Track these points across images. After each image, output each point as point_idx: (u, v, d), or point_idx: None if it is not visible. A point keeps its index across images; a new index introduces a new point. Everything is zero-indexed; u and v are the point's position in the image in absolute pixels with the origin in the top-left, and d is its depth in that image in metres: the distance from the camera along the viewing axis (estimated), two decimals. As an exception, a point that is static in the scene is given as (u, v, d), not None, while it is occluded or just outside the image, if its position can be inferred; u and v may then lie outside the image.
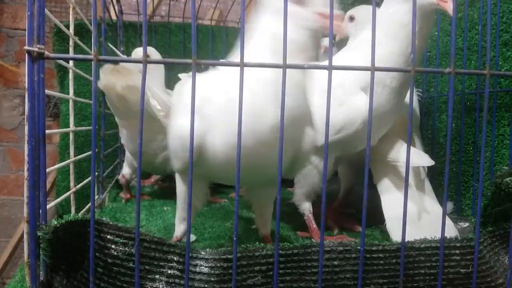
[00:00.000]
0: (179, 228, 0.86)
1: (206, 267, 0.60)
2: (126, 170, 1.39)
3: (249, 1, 1.85)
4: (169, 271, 0.59)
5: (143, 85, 0.54)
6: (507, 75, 0.98)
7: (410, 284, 0.65)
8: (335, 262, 0.63)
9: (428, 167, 1.12)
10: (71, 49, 0.96)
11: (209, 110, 0.70)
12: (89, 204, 1.06)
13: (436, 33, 1.32)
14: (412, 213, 0.98)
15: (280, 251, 0.61)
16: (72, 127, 0.96)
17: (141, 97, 0.54)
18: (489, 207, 0.79)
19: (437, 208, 1.02)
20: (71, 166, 0.94)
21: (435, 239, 0.68)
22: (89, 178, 1.11)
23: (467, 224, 1.06)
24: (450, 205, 1.21)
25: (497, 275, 0.67)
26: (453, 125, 1.23)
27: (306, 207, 1.05)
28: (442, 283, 0.64)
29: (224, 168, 0.73)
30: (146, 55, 0.54)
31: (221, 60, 0.74)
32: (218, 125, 0.70)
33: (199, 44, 1.85)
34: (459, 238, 0.69)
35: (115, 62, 0.98)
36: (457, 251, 0.67)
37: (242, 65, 0.56)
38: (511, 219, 0.63)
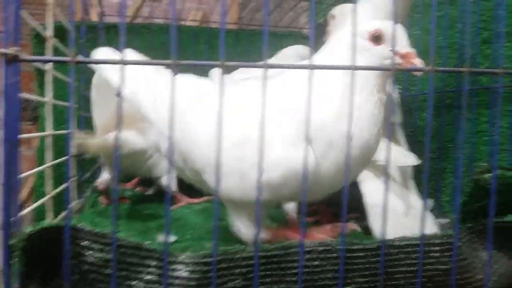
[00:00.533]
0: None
1: (185, 271, 0.59)
2: (105, 176, 1.36)
3: (231, 3, 1.85)
4: (147, 277, 0.58)
5: (120, 88, 0.54)
6: (486, 72, 0.99)
7: (391, 282, 0.65)
8: (316, 262, 0.62)
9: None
10: (48, 51, 0.95)
11: (323, 139, 0.69)
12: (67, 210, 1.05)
13: (416, 32, 1.32)
14: (399, 210, 0.98)
15: (260, 253, 0.60)
16: (49, 130, 0.94)
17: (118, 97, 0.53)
18: (468, 203, 0.80)
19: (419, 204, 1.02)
20: (48, 171, 0.92)
21: (415, 236, 0.69)
22: (66, 184, 1.10)
23: (447, 220, 1.07)
24: (430, 202, 1.21)
25: (476, 271, 0.67)
26: (434, 122, 1.24)
27: (290, 206, 1.04)
28: (422, 280, 0.64)
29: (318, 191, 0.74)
30: (124, 56, 0.53)
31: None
32: (330, 154, 0.70)
33: (182, 45, 1.83)
34: (438, 234, 0.69)
35: (93, 64, 0.97)
36: (437, 248, 0.67)
37: (223, 65, 0.56)
38: (490, 216, 0.63)
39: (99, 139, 1.06)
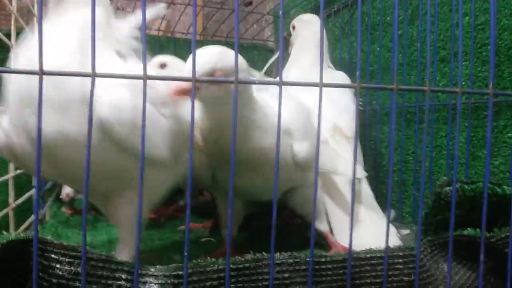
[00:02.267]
0: None
1: (156, 284, 0.59)
2: (70, 188, 1.33)
3: (199, 12, 1.86)
4: (117, 289, 0.58)
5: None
6: (445, 91, 1.03)
7: (357, 294, 0.67)
8: (286, 275, 0.63)
9: (371, 177, 1.17)
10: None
11: None
12: (29, 220, 1.02)
13: (378, 49, 1.37)
14: (361, 222, 1.01)
15: (232, 265, 0.61)
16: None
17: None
18: (429, 215, 0.83)
19: (375, 215, 1.06)
20: (10, 182, 0.89)
21: (379, 249, 0.71)
22: (28, 193, 1.07)
23: (408, 231, 1.10)
24: (392, 213, 1.25)
25: (438, 282, 0.70)
26: (394, 136, 1.28)
27: None
28: (387, 291, 0.66)
29: None
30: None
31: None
32: None
33: (148, 55, 1.82)
34: (402, 247, 0.72)
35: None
36: (400, 260, 0.69)
37: (194, 80, 0.56)
38: (450, 229, 0.66)
39: None
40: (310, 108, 0.93)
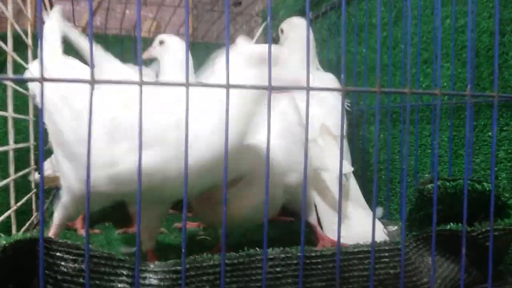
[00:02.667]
0: None
1: (155, 279, 0.62)
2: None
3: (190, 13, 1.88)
4: (119, 285, 0.61)
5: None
6: (425, 93, 1.07)
7: (346, 286, 0.71)
8: (278, 269, 0.67)
9: (359, 175, 1.21)
10: (9, 65, 0.95)
11: None
12: (29, 222, 1.05)
13: (364, 50, 1.41)
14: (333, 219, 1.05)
15: (227, 261, 0.64)
16: (12, 145, 0.94)
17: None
18: (413, 211, 0.87)
19: (362, 211, 1.10)
20: (11, 184, 0.92)
21: (367, 243, 0.74)
22: (28, 196, 1.09)
23: (395, 227, 1.15)
24: (380, 210, 1.29)
25: (422, 275, 0.74)
26: (381, 135, 1.32)
27: None
28: (374, 284, 0.70)
29: None
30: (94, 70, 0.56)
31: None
32: None
33: (136, 55, 1.83)
34: (387, 242, 0.76)
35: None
36: (386, 254, 0.73)
37: (187, 84, 0.59)
38: (433, 223, 0.70)
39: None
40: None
